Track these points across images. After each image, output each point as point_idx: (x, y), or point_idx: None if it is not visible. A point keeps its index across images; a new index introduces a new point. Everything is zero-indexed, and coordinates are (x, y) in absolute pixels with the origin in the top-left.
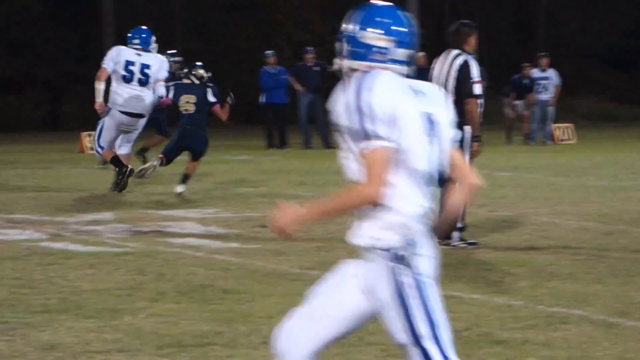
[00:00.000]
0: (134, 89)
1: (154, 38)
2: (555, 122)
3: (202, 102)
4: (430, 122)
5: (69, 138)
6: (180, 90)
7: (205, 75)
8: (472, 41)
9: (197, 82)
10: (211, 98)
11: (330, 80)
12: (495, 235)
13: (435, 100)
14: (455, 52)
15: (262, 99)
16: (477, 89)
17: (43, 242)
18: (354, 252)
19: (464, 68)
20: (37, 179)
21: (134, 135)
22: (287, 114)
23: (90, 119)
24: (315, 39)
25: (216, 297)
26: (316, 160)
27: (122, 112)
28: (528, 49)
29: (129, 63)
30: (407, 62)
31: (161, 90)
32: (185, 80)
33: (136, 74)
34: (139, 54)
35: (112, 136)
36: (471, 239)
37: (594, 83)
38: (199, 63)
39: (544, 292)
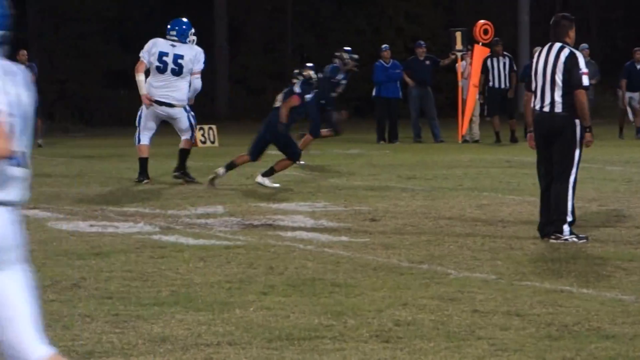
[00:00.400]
0: (167, 79)
1: (192, 30)
2: None
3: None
4: (18, 102)
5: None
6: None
7: (313, 76)
8: (572, 34)
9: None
10: (296, 89)
11: (441, 74)
12: (606, 229)
13: (23, 82)
14: (559, 44)
15: (375, 92)
16: (586, 80)
17: (154, 235)
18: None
19: (571, 59)
20: (149, 172)
21: (181, 124)
22: (399, 108)
23: (202, 113)
24: (427, 32)
25: (326, 291)
26: (426, 154)
27: (155, 102)
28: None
29: (162, 54)
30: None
31: (197, 82)
32: (293, 80)
33: (169, 65)
34: (173, 45)
35: (149, 125)
36: (582, 234)
37: None
38: (309, 64)
39: None
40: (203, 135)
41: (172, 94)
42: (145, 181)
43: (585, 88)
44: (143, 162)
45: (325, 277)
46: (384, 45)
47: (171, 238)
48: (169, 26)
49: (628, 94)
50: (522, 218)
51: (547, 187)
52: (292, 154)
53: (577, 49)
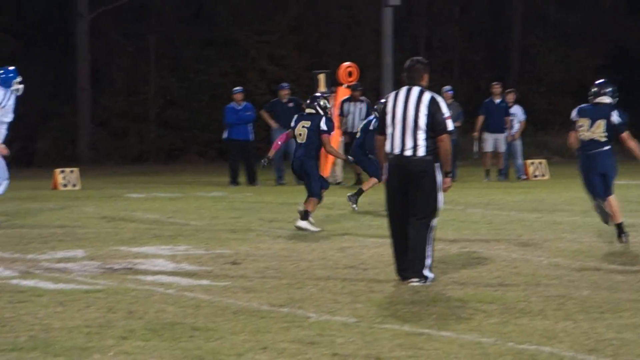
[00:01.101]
0: None
1: (18, 79)
2: (528, 157)
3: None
4: None
5: (42, 175)
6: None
7: (328, 105)
8: (427, 78)
9: (320, 111)
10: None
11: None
12: (467, 271)
13: None
14: (418, 88)
15: (226, 134)
16: (450, 124)
17: (13, 279)
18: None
19: (434, 104)
20: (9, 215)
21: None
22: (250, 151)
23: (63, 156)
24: (291, 74)
25: (185, 335)
26: (289, 197)
27: None
28: (503, 85)
29: None
30: None
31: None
32: (309, 110)
33: None
34: None
35: None
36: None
37: (567, 119)
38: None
39: (514, 329)
40: (64, 178)
41: None
42: None
43: (449, 132)
44: None
45: (185, 321)
46: (235, 88)
47: (30, 282)
48: None
49: (492, 135)
50: (383, 260)
51: (401, 229)
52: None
53: (437, 92)
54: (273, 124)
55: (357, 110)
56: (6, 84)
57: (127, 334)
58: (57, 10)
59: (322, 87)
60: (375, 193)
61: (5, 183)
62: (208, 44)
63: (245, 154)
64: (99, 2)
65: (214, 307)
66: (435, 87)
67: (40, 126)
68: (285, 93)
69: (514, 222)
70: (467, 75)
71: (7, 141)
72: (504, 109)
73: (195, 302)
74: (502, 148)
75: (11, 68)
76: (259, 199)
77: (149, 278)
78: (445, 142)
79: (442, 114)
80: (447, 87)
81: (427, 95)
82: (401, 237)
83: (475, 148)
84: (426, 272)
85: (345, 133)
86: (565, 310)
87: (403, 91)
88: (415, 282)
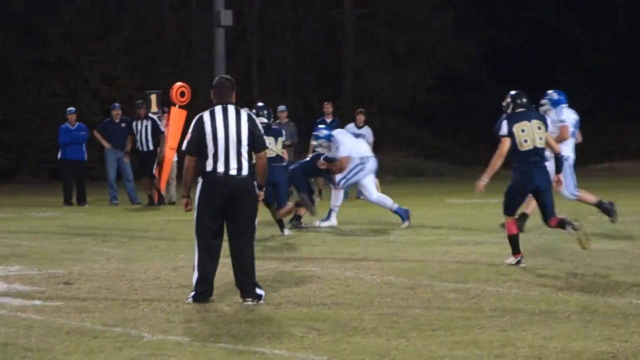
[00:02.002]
0: None
1: None
2: None
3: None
4: None
5: None
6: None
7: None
8: (234, 95)
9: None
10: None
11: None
12: (300, 290)
13: None
14: (232, 106)
15: (60, 155)
16: (266, 141)
17: None
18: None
19: (253, 121)
20: None
21: None
22: (84, 171)
23: None
24: (123, 95)
25: (18, 356)
26: (122, 217)
27: None
28: (336, 105)
29: None
30: None
31: None
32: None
33: None
34: None
35: None
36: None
37: (400, 138)
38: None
39: (347, 347)
40: None
41: None
42: None
43: (266, 149)
44: None
45: (18, 341)
46: (69, 109)
47: None
48: None
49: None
50: (216, 280)
51: (218, 246)
52: None
53: (273, 110)
54: (106, 144)
55: (143, 127)
56: None
57: None
58: None
59: (154, 107)
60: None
61: None
62: (40, 64)
63: (79, 173)
64: None
65: (46, 328)
66: (269, 107)
67: None
68: (117, 113)
69: (348, 240)
70: (299, 95)
71: None
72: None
73: (27, 323)
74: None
75: None
76: (92, 219)
77: None
78: (264, 159)
79: (261, 131)
80: (282, 107)
81: (244, 113)
82: (214, 254)
83: None
84: (259, 290)
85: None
86: (398, 328)
87: (219, 110)
88: (250, 302)
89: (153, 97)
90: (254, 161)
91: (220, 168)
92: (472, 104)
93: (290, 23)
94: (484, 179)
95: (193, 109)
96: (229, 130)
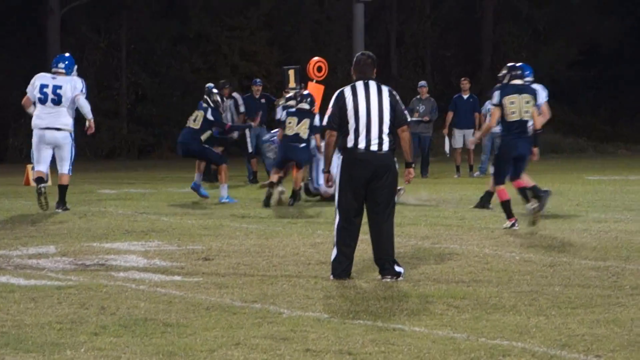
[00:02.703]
0: (48, 107)
1: (76, 67)
2: None
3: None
4: None
5: (14, 171)
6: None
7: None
8: (375, 71)
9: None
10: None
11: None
12: (439, 267)
13: None
14: (374, 82)
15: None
16: (408, 116)
17: None
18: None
19: (394, 97)
20: None
21: (64, 152)
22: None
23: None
24: (262, 70)
25: (158, 331)
26: (260, 193)
27: (40, 129)
28: (475, 81)
29: (43, 86)
30: None
31: (81, 101)
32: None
33: (49, 95)
34: (53, 77)
35: (39, 155)
36: None
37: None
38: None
39: (486, 325)
40: None
41: (57, 119)
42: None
43: (408, 124)
44: (38, 179)
45: (158, 317)
46: (207, 85)
47: (2, 278)
48: (54, 60)
49: (461, 131)
50: (355, 256)
51: (359, 224)
52: None
53: (413, 86)
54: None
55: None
56: (69, 69)
57: (99, 330)
58: (28, 6)
59: (292, 83)
60: None
61: None
62: (180, 40)
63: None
64: None
65: (186, 303)
66: (408, 82)
67: (13, 122)
68: (257, 89)
69: (486, 218)
70: (439, 71)
71: None
72: (473, 105)
73: (167, 298)
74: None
75: (67, 55)
76: (232, 195)
77: (121, 274)
78: (407, 133)
79: (402, 106)
80: (423, 82)
81: (385, 89)
82: (355, 231)
83: (447, 145)
84: (397, 267)
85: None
86: (538, 305)
87: (361, 86)
88: (389, 279)
89: (291, 72)
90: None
91: (362, 144)
92: (613, 80)
93: None
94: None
95: (331, 84)
96: (370, 105)
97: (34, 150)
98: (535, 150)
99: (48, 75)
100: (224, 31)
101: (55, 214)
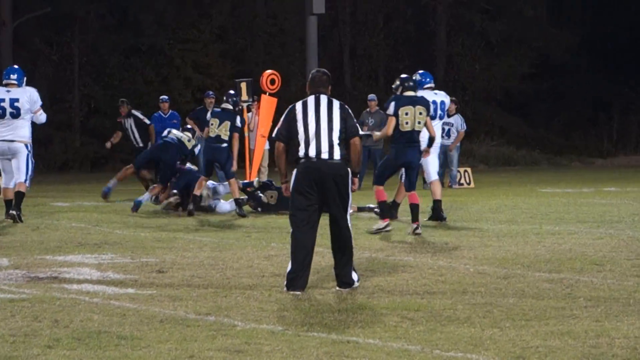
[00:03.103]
0: (6, 120)
1: (25, 78)
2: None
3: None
4: None
5: None
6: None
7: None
8: (329, 88)
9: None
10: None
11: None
12: (392, 279)
13: None
14: (326, 96)
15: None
16: (359, 129)
17: None
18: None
19: (345, 109)
20: None
21: (21, 163)
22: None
23: None
24: (215, 83)
25: (112, 344)
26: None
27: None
28: None
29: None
30: None
31: (41, 117)
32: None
33: (7, 109)
34: (8, 91)
35: (2, 168)
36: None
37: (492, 127)
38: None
39: (440, 337)
40: None
41: (14, 132)
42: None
43: (360, 136)
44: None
45: (111, 329)
46: (161, 97)
47: None
48: (4, 73)
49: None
50: (310, 268)
51: (313, 234)
52: None
53: (363, 99)
54: (199, 131)
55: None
56: (20, 81)
57: (52, 342)
58: None
59: (245, 96)
60: None
61: None
62: (132, 52)
63: None
64: (22, 10)
65: (140, 316)
66: (361, 95)
67: None
68: (210, 101)
69: (441, 229)
70: (392, 83)
71: None
72: None
73: (121, 311)
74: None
75: (16, 67)
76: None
77: (75, 287)
78: (357, 144)
79: (353, 119)
80: (372, 96)
81: (336, 102)
82: (308, 243)
83: None
84: (354, 275)
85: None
86: (492, 317)
87: (312, 100)
88: (347, 290)
89: (243, 85)
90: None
91: (312, 152)
92: (566, 92)
93: (383, 10)
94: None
95: (284, 96)
96: (320, 116)
97: None
98: (428, 150)
99: (2, 88)
100: (177, 44)
101: (8, 226)
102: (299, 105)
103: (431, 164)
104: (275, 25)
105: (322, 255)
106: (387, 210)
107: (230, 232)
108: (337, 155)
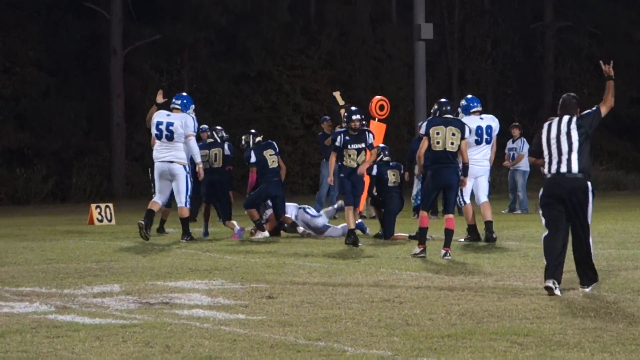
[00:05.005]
0: (162, 143)
1: (193, 106)
2: None
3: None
4: None
5: (78, 210)
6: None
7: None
8: (578, 110)
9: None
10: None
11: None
12: (502, 304)
13: None
14: (567, 116)
15: None
16: None
17: (50, 314)
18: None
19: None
20: (45, 251)
21: (180, 184)
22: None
23: (99, 191)
24: (324, 109)
25: None
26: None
27: (158, 162)
28: (537, 117)
29: (158, 123)
30: None
31: (191, 143)
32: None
33: (164, 132)
34: (168, 114)
35: (159, 186)
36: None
37: (601, 151)
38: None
39: None
40: (100, 213)
41: (171, 152)
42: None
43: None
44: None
45: (222, 355)
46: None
47: (67, 317)
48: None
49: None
50: (418, 294)
51: (564, 245)
52: None
53: None
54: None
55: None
56: (185, 107)
57: None
58: (91, 46)
59: (341, 101)
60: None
61: None
62: (241, 79)
63: None
64: (132, 38)
65: (250, 342)
66: None
67: (76, 162)
68: (327, 125)
69: None
70: (501, 108)
71: (43, 177)
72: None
73: (231, 337)
74: None
75: (184, 94)
76: (289, 234)
77: (186, 312)
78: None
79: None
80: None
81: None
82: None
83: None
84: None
85: None
86: (602, 342)
87: (555, 120)
88: (588, 289)
89: (336, 94)
90: None
91: (554, 168)
92: None
93: (491, 36)
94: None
95: (393, 122)
96: (560, 134)
97: (155, 180)
98: (464, 179)
99: (163, 112)
100: (285, 70)
101: (120, 252)
102: (546, 125)
103: (480, 187)
104: (383, 51)
105: (430, 280)
106: (424, 237)
107: (340, 258)
108: (575, 169)
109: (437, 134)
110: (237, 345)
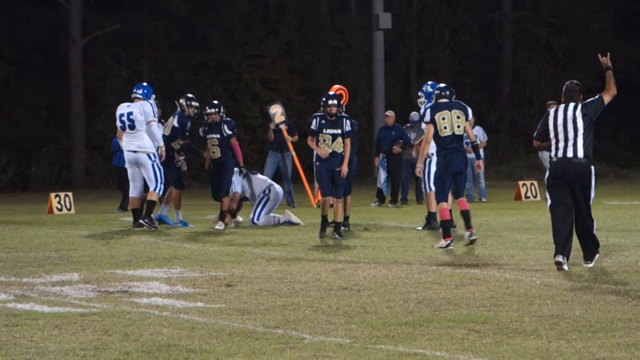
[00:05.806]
0: (128, 133)
1: (153, 96)
2: (521, 179)
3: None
4: None
5: (37, 199)
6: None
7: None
8: (581, 97)
9: None
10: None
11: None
12: (460, 292)
13: None
14: (573, 104)
15: None
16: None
17: (9, 303)
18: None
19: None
20: (4, 239)
21: (148, 173)
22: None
23: (58, 180)
24: (283, 98)
25: (181, 357)
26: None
27: (125, 151)
28: (494, 107)
29: (120, 115)
30: None
31: (152, 129)
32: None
33: (126, 122)
34: (128, 105)
35: (131, 173)
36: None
37: None
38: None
39: (507, 349)
40: (59, 202)
41: (135, 142)
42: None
43: None
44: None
45: (181, 343)
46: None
47: (26, 306)
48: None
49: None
50: (376, 282)
51: (571, 225)
52: None
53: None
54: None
55: None
56: (147, 96)
57: (122, 356)
58: (50, 36)
59: (279, 118)
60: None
61: None
62: (201, 68)
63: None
64: (92, 28)
65: (209, 329)
66: None
67: (35, 151)
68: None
69: (507, 243)
70: (459, 97)
71: (3, 166)
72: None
73: (190, 325)
74: None
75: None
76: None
77: (144, 301)
78: None
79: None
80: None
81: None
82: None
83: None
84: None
85: None
86: (559, 329)
87: (562, 107)
88: (590, 264)
89: (274, 108)
90: None
91: (560, 152)
92: (633, 105)
93: (450, 25)
94: (419, 165)
95: (351, 111)
96: (567, 120)
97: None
98: (479, 162)
99: (125, 104)
100: (245, 59)
101: (79, 241)
102: (552, 111)
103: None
104: (342, 41)
105: (389, 269)
106: (450, 229)
107: (298, 246)
108: (580, 154)
109: (443, 119)
110: (196, 333)
